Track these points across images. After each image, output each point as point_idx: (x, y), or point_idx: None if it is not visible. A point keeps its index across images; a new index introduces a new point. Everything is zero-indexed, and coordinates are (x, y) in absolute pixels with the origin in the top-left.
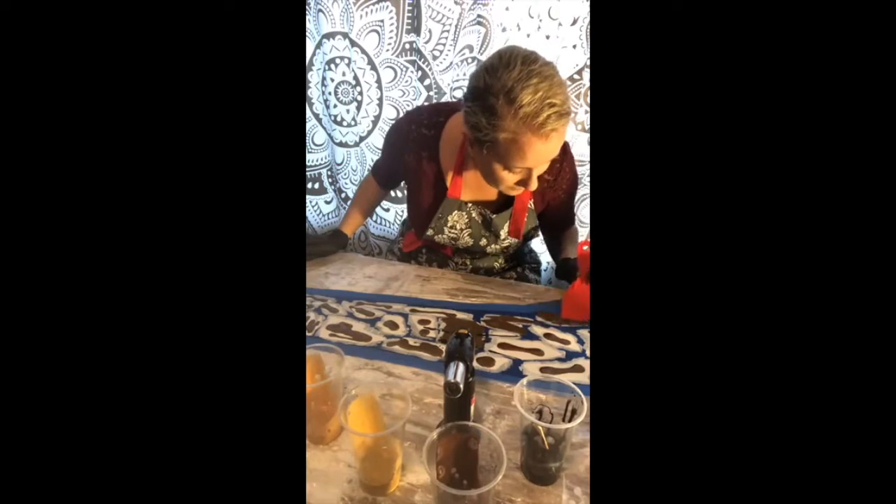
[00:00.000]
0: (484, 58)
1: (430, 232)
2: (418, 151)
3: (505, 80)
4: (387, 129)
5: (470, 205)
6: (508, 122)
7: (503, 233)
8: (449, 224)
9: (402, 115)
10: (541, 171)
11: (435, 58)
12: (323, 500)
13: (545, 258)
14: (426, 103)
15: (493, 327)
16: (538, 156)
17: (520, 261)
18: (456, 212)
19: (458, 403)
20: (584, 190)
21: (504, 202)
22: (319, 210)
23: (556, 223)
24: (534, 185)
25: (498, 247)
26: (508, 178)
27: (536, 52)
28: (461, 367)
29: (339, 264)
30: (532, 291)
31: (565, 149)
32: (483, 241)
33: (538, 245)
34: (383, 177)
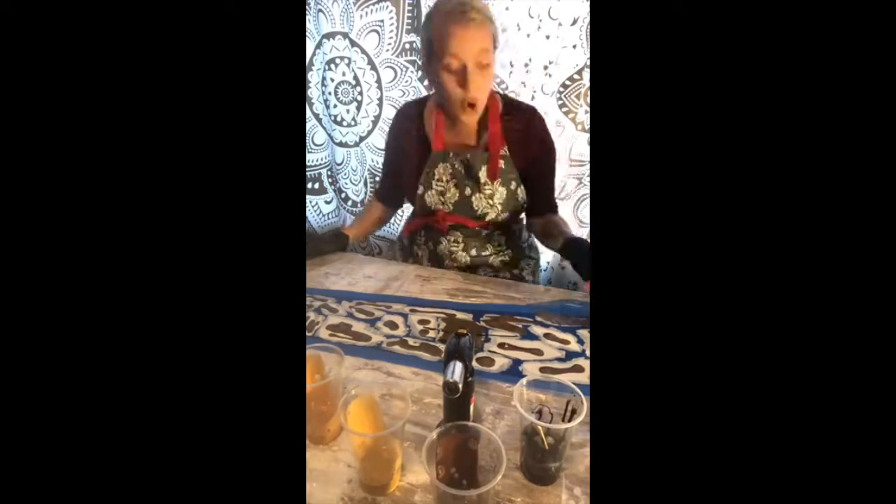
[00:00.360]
0: None
1: (420, 189)
2: (408, 129)
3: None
4: (387, 129)
5: (452, 154)
6: (435, 22)
7: (482, 176)
8: (436, 177)
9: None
10: (479, 83)
11: None
12: (323, 500)
13: (545, 258)
14: None
15: (493, 327)
16: (461, 42)
17: (519, 259)
18: (441, 164)
19: (457, 403)
20: (584, 190)
21: (481, 149)
22: (319, 210)
23: (538, 201)
24: (470, 88)
25: (483, 198)
26: (450, 82)
27: None
28: (460, 366)
29: (339, 264)
30: (532, 291)
31: (533, 111)
32: (468, 191)
33: (539, 245)
34: (386, 191)
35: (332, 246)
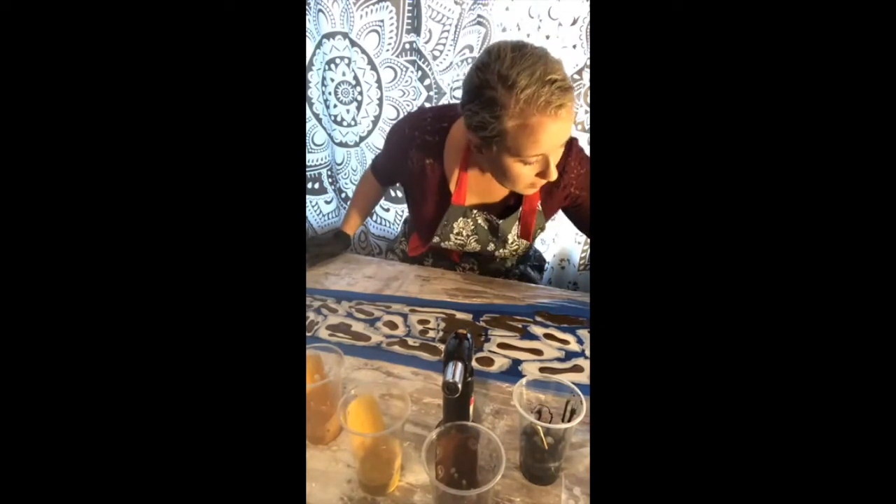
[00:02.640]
0: None
1: (436, 239)
2: (422, 158)
3: (499, 70)
4: (387, 129)
5: (475, 211)
6: (513, 108)
7: (511, 237)
8: (455, 231)
9: (403, 116)
10: (557, 159)
11: (435, 58)
12: (322, 500)
13: (548, 256)
14: (428, 105)
15: (493, 327)
16: (551, 137)
17: (523, 258)
18: (461, 218)
19: (457, 403)
20: None
21: (509, 206)
22: (319, 210)
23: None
24: (553, 174)
25: (506, 251)
26: (526, 173)
27: (523, 39)
28: (459, 366)
29: (338, 264)
30: (532, 291)
31: (570, 144)
32: (491, 247)
33: (540, 244)
34: (383, 176)
35: (337, 247)
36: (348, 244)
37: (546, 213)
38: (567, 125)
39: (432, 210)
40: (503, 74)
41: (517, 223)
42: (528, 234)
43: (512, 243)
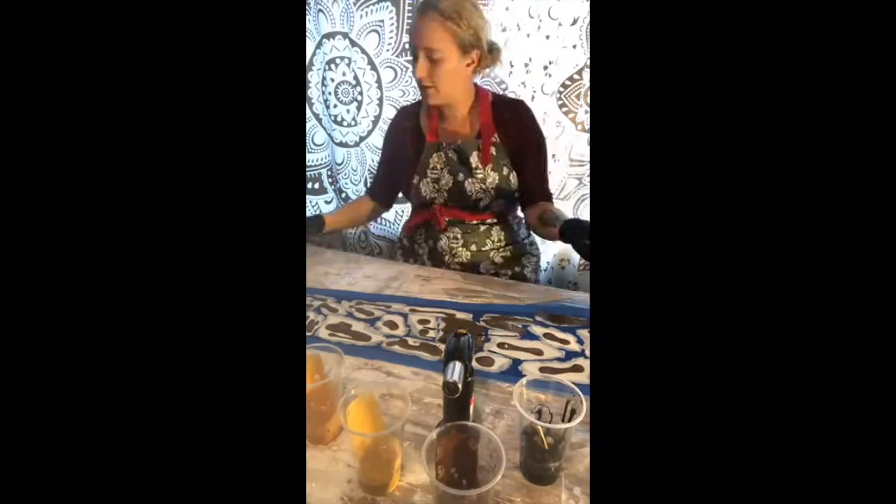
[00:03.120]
0: None
1: (415, 179)
2: (402, 123)
3: None
4: (387, 128)
5: (445, 144)
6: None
7: (474, 161)
8: (431, 166)
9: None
10: (423, 69)
11: None
12: (322, 499)
13: (546, 257)
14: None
15: (493, 327)
16: (416, 32)
17: (520, 256)
18: (435, 154)
19: (457, 403)
20: (584, 190)
21: (471, 138)
22: (319, 210)
23: (531, 188)
24: (418, 69)
25: (476, 182)
26: (418, 65)
27: None
28: (459, 366)
29: (339, 264)
30: (532, 291)
31: (521, 102)
32: (461, 176)
33: (539, 242)
34: (378, 186)
35: (310, 230)
36: (320, 228)
37: (506, 147)
38: (429, 32)
39: (413, 156)
40: None
41: (477, 151)
42: (486, 158)
43: (477, 169)
